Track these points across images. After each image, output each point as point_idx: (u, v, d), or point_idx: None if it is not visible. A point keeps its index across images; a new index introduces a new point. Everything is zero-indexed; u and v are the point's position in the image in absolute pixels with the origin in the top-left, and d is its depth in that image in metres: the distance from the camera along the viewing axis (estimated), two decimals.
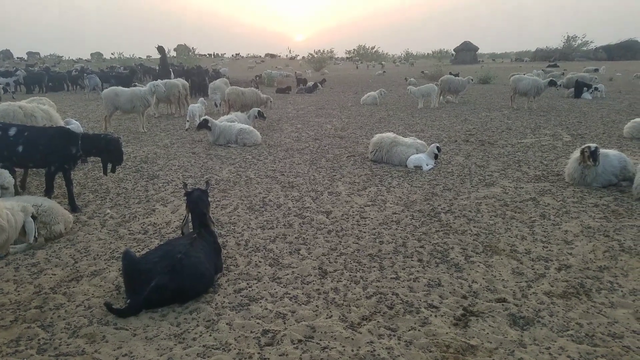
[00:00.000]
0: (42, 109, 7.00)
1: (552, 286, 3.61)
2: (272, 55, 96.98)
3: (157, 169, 7.68)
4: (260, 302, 3.40)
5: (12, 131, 5.27)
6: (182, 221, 4.34)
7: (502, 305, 3.32)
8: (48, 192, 5.54)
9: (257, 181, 6.90)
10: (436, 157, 7.56)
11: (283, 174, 7.29)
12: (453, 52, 72.33)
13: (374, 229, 4.93)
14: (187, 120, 11.95)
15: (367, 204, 5.79)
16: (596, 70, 31.41)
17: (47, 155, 5.40)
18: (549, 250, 4.30)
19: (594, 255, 4.17)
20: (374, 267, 4.02)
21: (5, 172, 4.97)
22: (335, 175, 7.17)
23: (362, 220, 5.20)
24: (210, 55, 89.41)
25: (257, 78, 30.49)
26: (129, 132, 11.43)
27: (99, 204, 5.87)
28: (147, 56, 77.31)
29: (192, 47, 72.53)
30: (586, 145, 6.21)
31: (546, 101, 16.62)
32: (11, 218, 3.87)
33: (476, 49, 70.42)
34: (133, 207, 5.73)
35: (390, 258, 4.20)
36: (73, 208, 5.50)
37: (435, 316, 3.20)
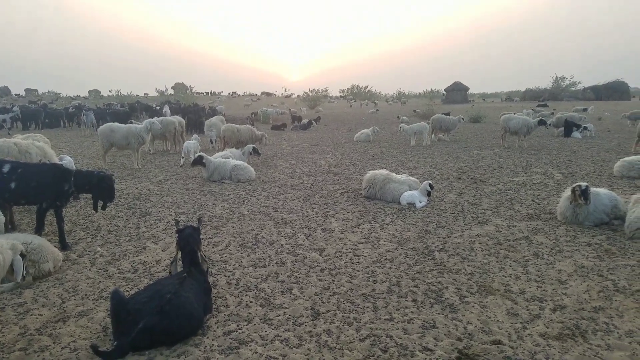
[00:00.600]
0: (37, 145, 7.04)
1: (547, 327, 3.56)
2: (268, 94, 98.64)
3: (150, 205, 7.64)
4: (250, 345, 3.31)
5: (6, 168, 5.26)
6: (171, 260, 4.27)
7: (498, 347, 3.26)
8: (38, 230, 5.48)
9: (250, 217, 6.87)
10: (429, 194, 7.60)
11: (276, 210, 7.28)
12: (444, 92, 74.02)
13: (368, 267, 4.89)
14: (182, 157, 12.00)
15: (360, 241, 5.77)
16: (585, 110, 32.09)
17: (40, 192, 5.37)
18: (544, 290, 4.27)
19: (588, 295, 4.14)
20: (368, 307, 3.96)
21: None
22: (328, 212, 7.16)
23: (356, 258, 5.16)
24: (207, 93, 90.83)
25: (253, 115, 30.93)
26: (123, 168, 11.44)
27: (89, 242, 5.80)
28: (145, 94, 78.52)
29: (190, 86, 73.82)
30: (577, 184, 6.27)
31: (537, 140, 16.91)
32: None
33: (467, 89, 72.13)
34: (124, 245, 5.66)
35: (384, 298, 4.14)
36: (63, 246, 5.43)
37: None
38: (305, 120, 25.58)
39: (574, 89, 67.02)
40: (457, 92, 69.58)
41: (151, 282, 4.11)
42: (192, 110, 27.55)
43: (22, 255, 4.13)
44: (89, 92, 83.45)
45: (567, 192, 6.40)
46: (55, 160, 7.16)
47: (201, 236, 4.32)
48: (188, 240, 4.03)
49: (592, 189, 6.28)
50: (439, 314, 3.82)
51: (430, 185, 7.57)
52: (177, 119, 15.10)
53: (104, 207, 5.91)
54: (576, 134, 17.66)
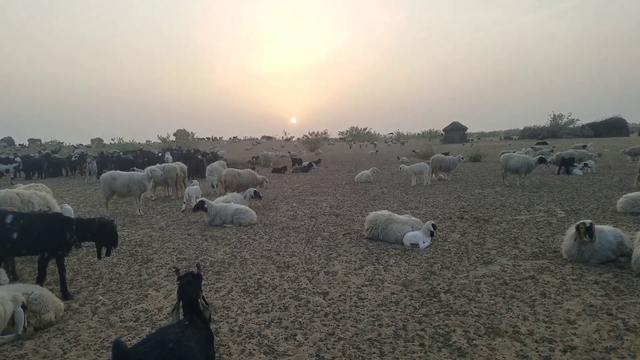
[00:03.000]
0: (40, 195, 7.10)
1: None
2: (269, 137, 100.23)
3: (152, 252, 7.61)
4: None
5: (9, 218, 5.28)
6: (172, 308, 4.22)
7: None
8: (40, 280, 5.42)
9: (252, 262, 6.82)
10: (432, 234, 7.57)
11: (278, 254, 7.23)
12: (442, 132, 75.14)
13: (373, 310, 4.81)
14: (184, 202, 12.06)
15: (364, 283, 5.70)
16: (584, 146, 32.30)
17: (42, 242, 5.37)
18: (553, 330, 4.19)
19: (598, 335, 4.06)
20: (374, 353, 3.87)
21: (2, 271, 4.96)
22: (331, 254, 7.12)
23: (360, 302, 5.08)
24: (208, 138, 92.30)
25: (254, 159, 31.29)
26: (125, 215, 11.47)
27: (91, 290, 5.74)
28: (147, 141, 79.78)
29: (191, 132, 75.01)
30: (581, 221, 6.25)
31: (537, 177, 16.99)
32: (0, 308, 3.78)
33: (465, 128, 73.28)
34: (125, 293, 5.60)
35: (391, 342, 4.06)
36: (65, 295, 5.37)
37: None
38: (305, 163, 25.85)
39: (572, 126, 67.85)
40: (455, 132, 70.69)
41: (152, 331, 4.04)
42: (193, 156, 27.87)
43: (24, 306, 4.09)
44: (92, 140, 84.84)
45: (572, 230, 6.38)
46: (58, 209, 7.21)
47: (203, 282, 4.29)
48: (186, 289, 4.00)
49: (597, 226, 6.26)
50: (447, 358, 3.73)
51: (433, 225, 7.56)
52: (180, 165, 15.29)
53: (108, 253, 5.87)
54: (577, 171, 17.70)
